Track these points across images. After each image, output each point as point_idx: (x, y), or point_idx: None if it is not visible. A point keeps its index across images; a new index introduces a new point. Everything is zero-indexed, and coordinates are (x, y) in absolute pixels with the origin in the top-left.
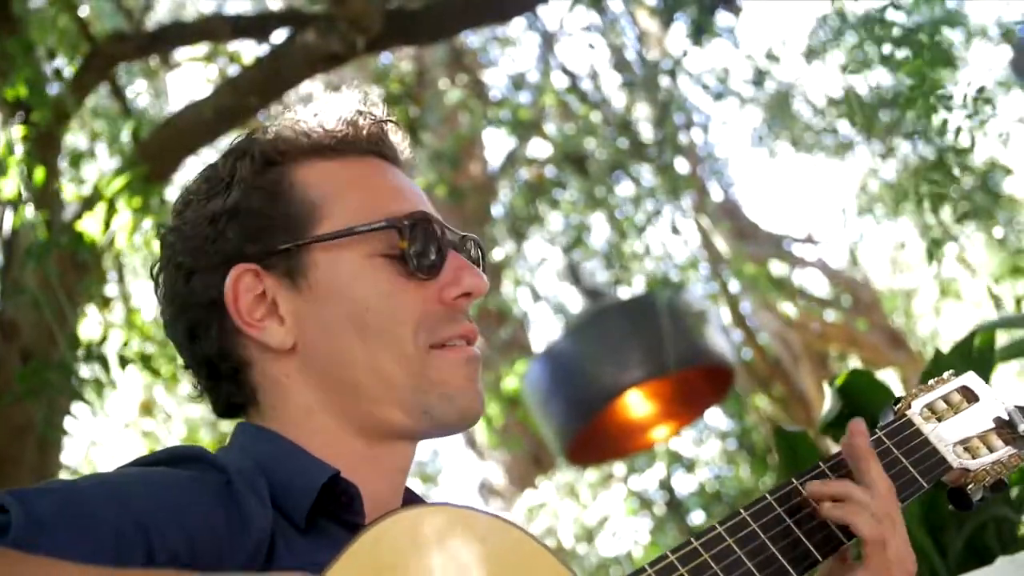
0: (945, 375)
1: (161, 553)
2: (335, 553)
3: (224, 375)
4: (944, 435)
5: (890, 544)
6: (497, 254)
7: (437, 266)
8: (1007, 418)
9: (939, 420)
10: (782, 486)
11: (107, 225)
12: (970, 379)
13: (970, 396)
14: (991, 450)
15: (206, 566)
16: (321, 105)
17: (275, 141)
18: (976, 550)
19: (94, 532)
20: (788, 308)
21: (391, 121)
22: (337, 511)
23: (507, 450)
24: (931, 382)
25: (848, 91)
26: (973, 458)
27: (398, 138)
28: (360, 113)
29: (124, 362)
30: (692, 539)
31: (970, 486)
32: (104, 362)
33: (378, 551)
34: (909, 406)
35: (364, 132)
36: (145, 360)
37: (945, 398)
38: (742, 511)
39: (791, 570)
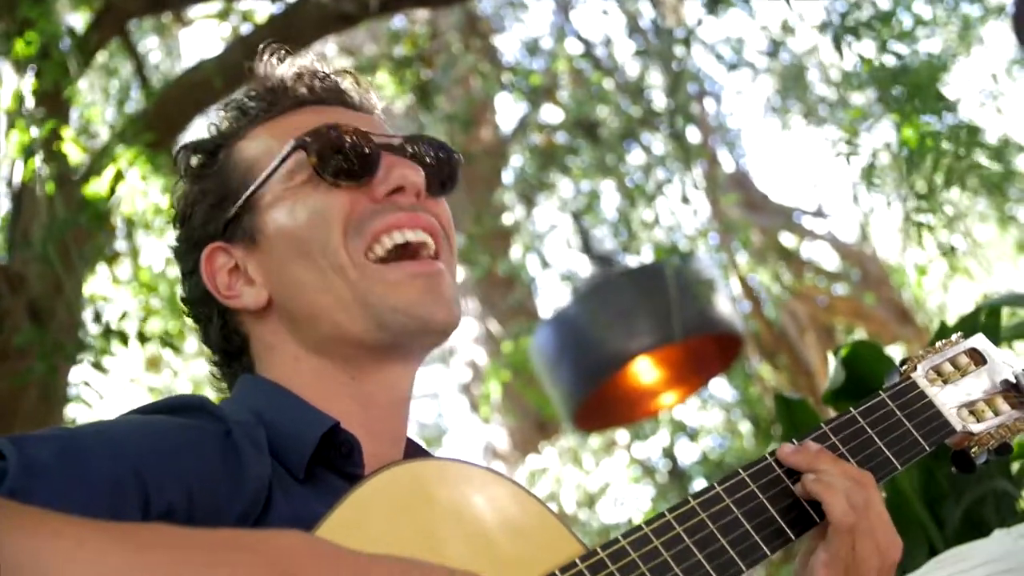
0: (954, 337)
1: (158, 503)
2: (332, 503)
3: (234, 357)
4: (949, 398)
5: (858, 530)
6: (507, 219)
7: (364, 171)
8: (1014, 381)
9: (945, 383)
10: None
11: (113, 189)
12: (979, 341)
13: (978, 359)
14: (996, 413)
15: (203, 515)
16: (257, 77)
17: (222, 127)
18: (974, 523)
19: (91, 481)
20: (795, 280)
21: (342, 72)
22: (336, 462)
23: (521, 411)
24: (938, 344)
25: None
26: (978, 421)
27: (346, 84)
28: (297, 73)
29: (144, 339)
30: (690, 498)
31: (973, 449)
32: (123, 338)
33: (375, 503)
34: (915, 368)
35: (297, 87)
36: (165, 338)
37: (952, 360)
38: (741, 471)
39: (788, 530)
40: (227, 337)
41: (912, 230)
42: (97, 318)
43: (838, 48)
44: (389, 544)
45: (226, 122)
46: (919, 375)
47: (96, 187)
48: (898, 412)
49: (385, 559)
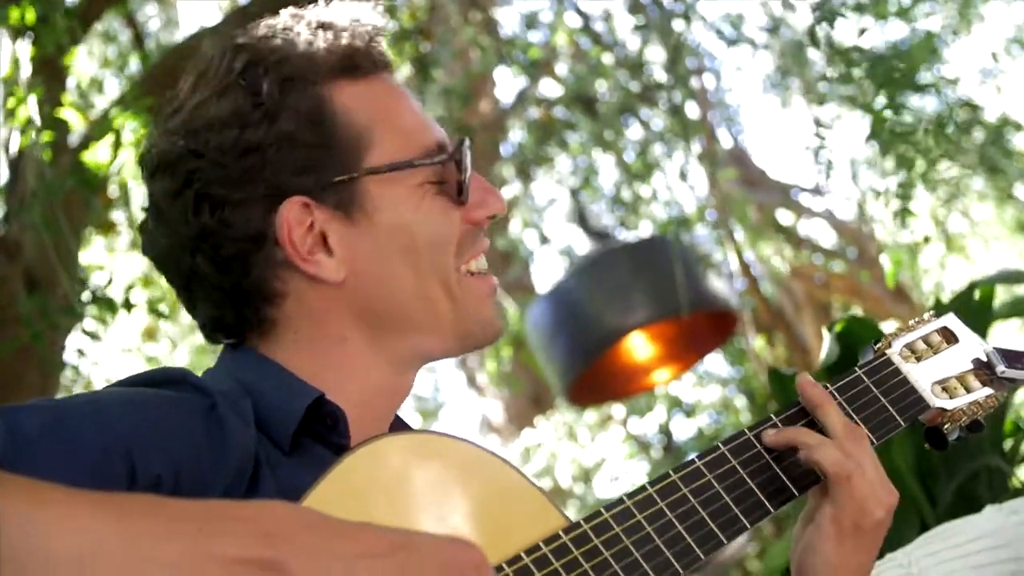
0: (926, 316)
1: (144, 476)
2: (318, 474)
3: (256, 306)
4: (922, 374)
5: (855, 478)
6: (505, 193)
7: (467, 190)
8: (985, 360)
9: (918, 360)
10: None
11: (114, 156)
12: (950, 320)
13: (949, 337)
14: (968, 391)
15: (189, 488)
16: (321, 18)
17: (304, 61)
18: (966, 499)
19: (76, 453)
20: (792, 257)
21: (380, 32)
22: (322, 433)
23: (509, 390)
24: (911, 322)
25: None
26: (951, 398)
27: (380, 38)
28: (360, 26)
29: (129, 306)
30: (671, 472)
31: (946, 426)
32: (111, 306)
33: (361, 474)
34: (889, 345)
35: (372, 48)
36: (152, 304)
37: (925, 339)
38: (721, 445)
39: (767, 503)
40: (255, 285)
41: (898, 215)
42: (83, 283)
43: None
44: (372, 516)
45: (305, 50)
46: (893, 352)
47: (95, 154)
48: (874, 388)
49: (375, 527)
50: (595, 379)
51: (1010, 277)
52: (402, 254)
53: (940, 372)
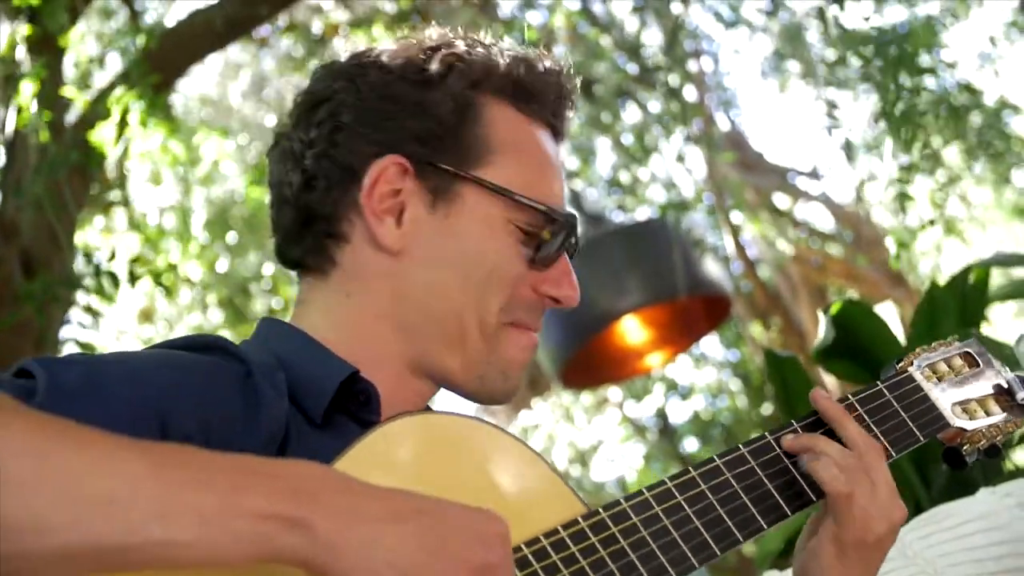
0: (949, 339)
1: (175, 434)
2: (345, 448)
3: (318, 233)
4: (944, 394)
5: (856, 498)
6: None
7: (551, 263)
8: (1006, 386)
9: (939, 380)
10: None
11: (119, 135)
12: (972, 345)
13: (972, 362)
14: (988, 414)
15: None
16: (530, 52)
17: (487, 67)
18: (960, 483)
19: (112, 408)
20: (789, 241)
21: (573, 93)
22: (354, 409)
23: None
24: (934, 344)
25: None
26: (971, 419)
27: (569, 113)
28: (555, 74)
29: (134, 278)
30: (691, 468)
31: (965, 447)
32: (114, 279)
33: (387, 447)
34: (912, 363)
35: (552, 96)
36: (156, 276)
37: (947, 361)
38: (741, 447)
39: (784, 505)
40: (329, 215)
41: (898, 198)
42: (88, 258)
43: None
44: (394, 487)
45: (495, 60)
46: (915, 370)
47: (100, 133)
48: (895, 403)
49: (402, 492)
50: (589, 362)
51: (1006, 260)
52: (455, 268)
53: (961, 394)
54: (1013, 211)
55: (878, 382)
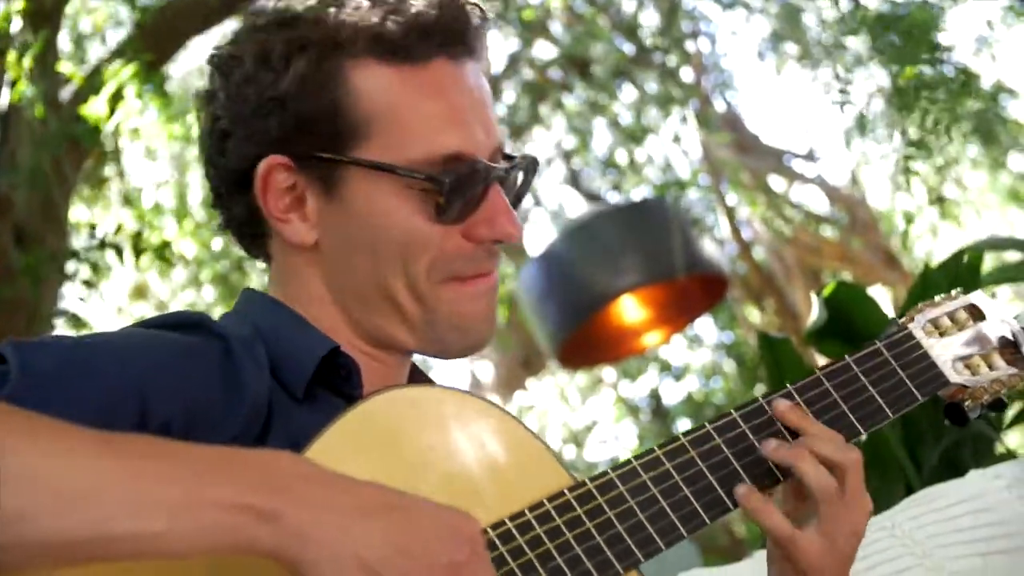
0: (953, 292)
1: (155, 418)
2: (328, 423)
3: (243, 234)
4: (944, 351)
5: (840, 538)
6: None
7: (473, 206)
8: (1012, 338)
9: (942, 336)
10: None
11: (112, 111)
12: (978, 297)
13: (976, 314)
14: (992, 368)
15: (200, 432)
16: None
17: (336, 32)
18: (951, 464)
19: (90, 391)
20: (784, 223)
21: (471, 3)
22: (336, 383)
23: (501, 350)
24: (937, 298)
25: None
26: (973, 375)
27: (476, 22)
28: (438, 14)
29: (138, 251)
30: (680, 436)
31: (967, 402)
32: (118, 251)
33: (369, 424)
34: (912, 320)
35: (437, 28)
36: (159, 250)
37: (951, 315)
38: (733, 412)
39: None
40: (247, 220)
41: (902, 176)
42: (92, 231)
43: None
44: (378, 466)
45: (349, 20)
46: (916, 327)
47: (93, 107)
48: (893, 362)
49: (375, 485)
50: (585, 341)
51: (999, 243)
52: (367, 248)
53: (964, 349)
54: (1008, 195)
55: (876, 340)
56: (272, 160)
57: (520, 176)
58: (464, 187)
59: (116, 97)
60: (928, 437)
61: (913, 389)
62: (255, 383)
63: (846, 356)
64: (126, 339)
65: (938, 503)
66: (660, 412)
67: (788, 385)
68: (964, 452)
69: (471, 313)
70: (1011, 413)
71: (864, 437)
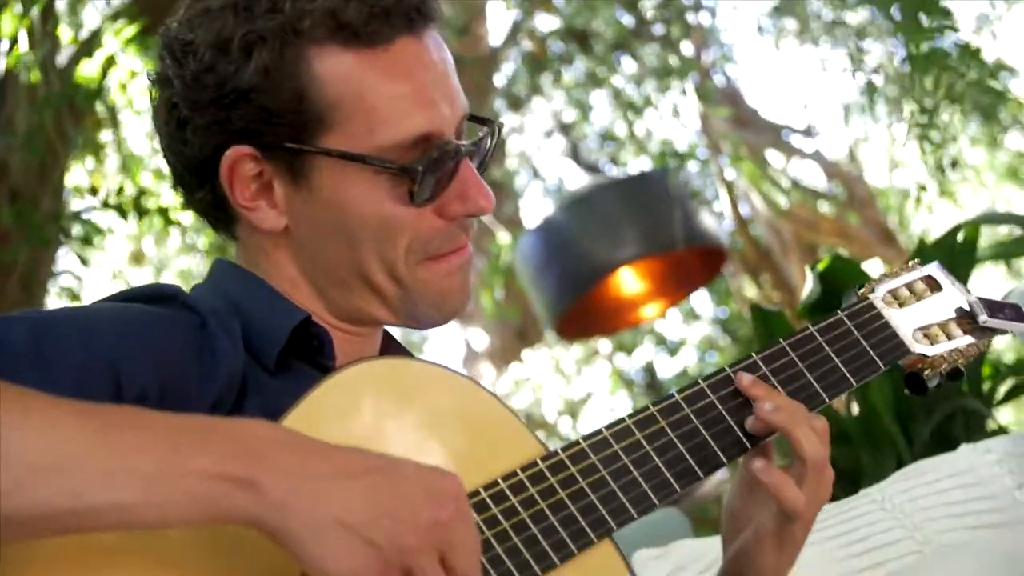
0: (910, 263)
1: (129, 390)
2: (302, 394)
3: (212, 220)
4: (905, 320)
5: (809, 505)
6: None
7: (445, 184)
8: (968, 309)
9: (901, 306)
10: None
11: (104, 73)
12: (934, 269)
13: (933, 285)
14: (950, 338)
15: (174, 404)
16: None
17: (297, 20)
18: (943, 439)
19: (62, 364)
20: (781, 198)
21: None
22: (309, 354)
23: (502, 319)
24: (896, 268)
25: None
26: (932, 344)
27: None
28: None
29: (141, 212)
30: (650, 406)
31: (926, 372)
32: (122, 212)
33: (342, 395)
34: (872, 290)
35: (399, 8)
36: (163, 211)
37: (909, 285)
38: (700, 381)
39: (745, 440)
40: (217, 218)
41: (917, 142)
42: (93, 191)
43: None
44: (352, 438)
45: (305, 17)
46: (876, 297)
47: (87, 69)
48: (855, 331)
49: (353, 450)
50: (583, 313)
51: (994, 219)
52: (340, 236)
53: (922, 319)
54: (1006, 173)
55: (839, 311)
56: (237, 151)
57: (487, 142)
58: (435, 169)
59: (110, 62)
60: (920, 413)
61: (875, 358)
62: (229, 357)
63: (809, 326)
64: (97, 312)
65: (928, 477)
66: (655, 386)
67: (753, 355)
68: (955, 427)
69: (448, 289)
70: (1003, 390)
71: (828, 403)
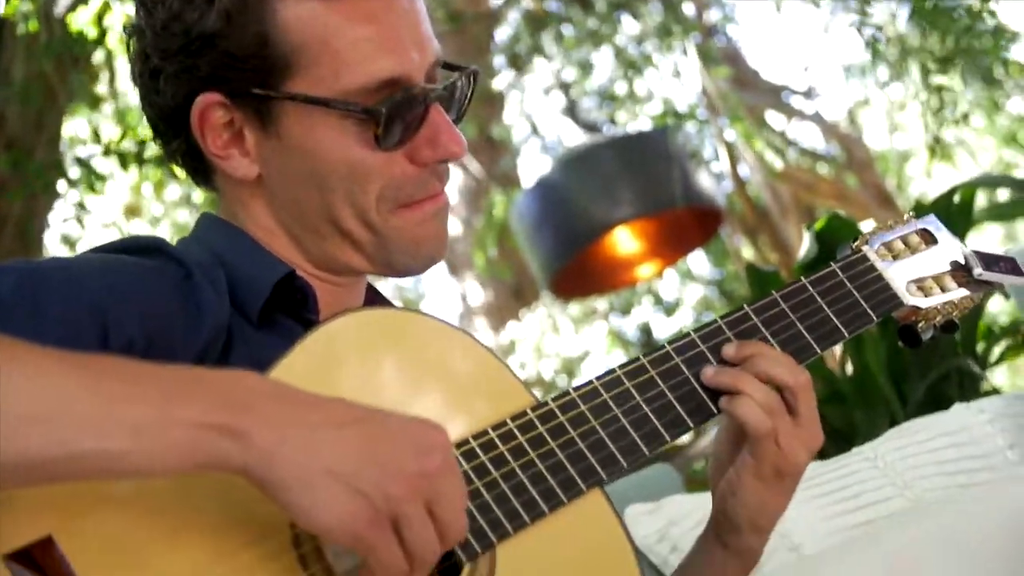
0: (906, 216)
1: (116, 339)
2: (288, 348)
3: (189, 169)
4: (899, 273)
5: (780, 434)
6: (498, 83)
7: (414, 129)
8: (963, 262)
9: (895, 258)
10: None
11: (100, 21)
12: (930, 222)
13: (928, 239)
14: (944, 291)
15: (160, 355)
16: None
17: None
18: (937, 399)
19: (49, 315)
20: (778, 160)
21: None
22: (293, 308)
23: (496, 278)
24: (890, 222)
25: None
26: (926, 296)
27: None
28: None
29: (141, 161)
30: (641, 356)
31: (920, 324)
32: (123, 159)
33: (329, 347)
34: (867, 242)
35: None
36: (161, 160)
37: (904, 239)
38: (691, 332)
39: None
40: (195, 168)
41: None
42: (96, 138)
43: None
44: (340, 390)
45: None
46: (870, 249)
47: (80, 18)
48: (848, 283)
49: (341, 401)
50: (579, 272)
51: (991, 181)
52: (312, 182)
53: (917, 271)
54: (1006, 137)
55: (832, 263)
56: (206, 98)
57: (462, 87)
58: (402, 113)
59: (105, 8)
60: (913, 372)
61: (868, 310)
62: (214, 308)
63: (802, 278)
64: (85, 263)
65: (920, 435)
66: (651, 345)
67: (745, 306)
68: (949, 387)
69: (423, 236)
70: (997, 351)
71: (819, 354)
